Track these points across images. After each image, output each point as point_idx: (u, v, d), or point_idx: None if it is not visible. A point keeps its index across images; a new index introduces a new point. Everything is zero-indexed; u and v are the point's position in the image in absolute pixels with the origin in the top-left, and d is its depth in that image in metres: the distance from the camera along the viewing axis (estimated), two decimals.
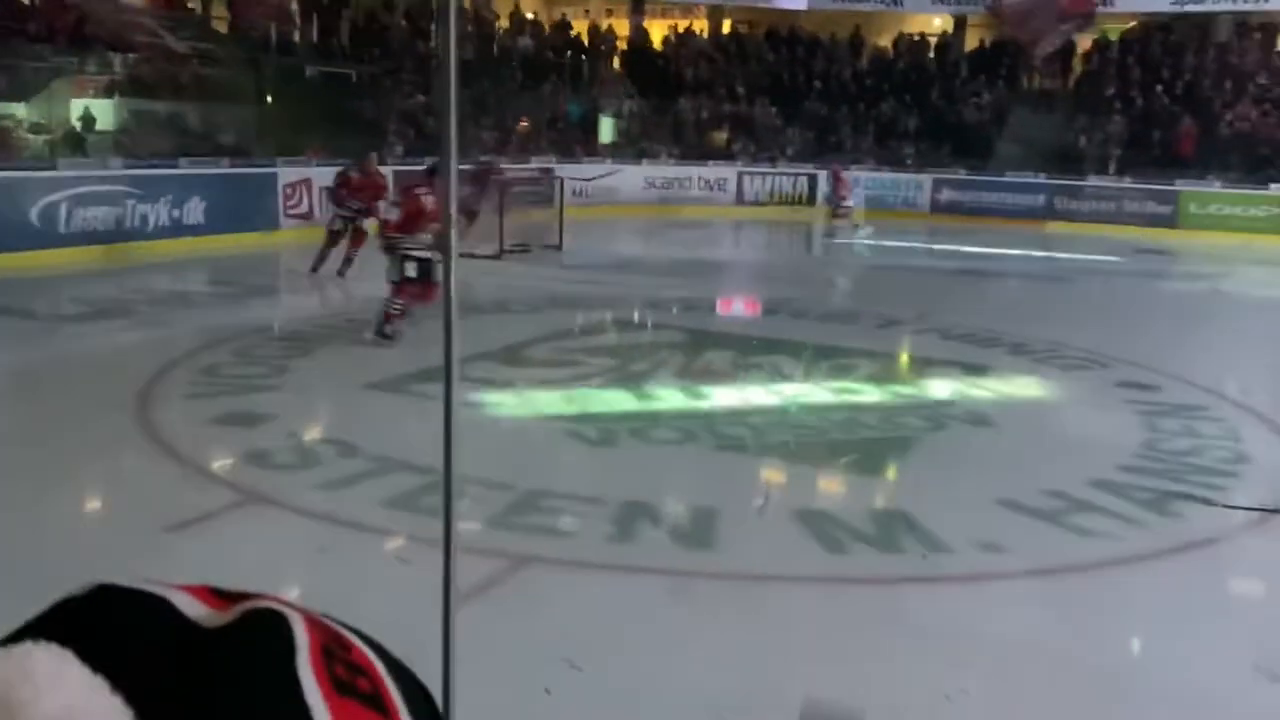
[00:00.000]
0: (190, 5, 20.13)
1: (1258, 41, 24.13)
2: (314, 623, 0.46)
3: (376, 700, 0.45)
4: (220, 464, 5.73)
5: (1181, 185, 20.60)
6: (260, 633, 0.43)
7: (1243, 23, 24.54)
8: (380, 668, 0.47)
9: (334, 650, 0.45)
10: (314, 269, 12.02)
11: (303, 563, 4.55)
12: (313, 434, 6.53)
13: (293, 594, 3.29)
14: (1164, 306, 13.40)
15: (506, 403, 7.08)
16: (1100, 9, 24.84)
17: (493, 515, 4.99)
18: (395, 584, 4.16)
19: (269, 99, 18.36)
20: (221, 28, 19.61)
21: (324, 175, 15.65)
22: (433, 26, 24.13)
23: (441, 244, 2.04)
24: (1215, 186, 20.48)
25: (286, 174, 15.36)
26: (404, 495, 5.12)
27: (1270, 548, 5.15)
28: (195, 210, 13.90)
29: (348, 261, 11.86)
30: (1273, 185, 20.16)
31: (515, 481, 5.37)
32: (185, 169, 14.19)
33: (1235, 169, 20.86)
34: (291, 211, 15.32)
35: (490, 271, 12.79)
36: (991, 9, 25.18)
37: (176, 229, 13.65)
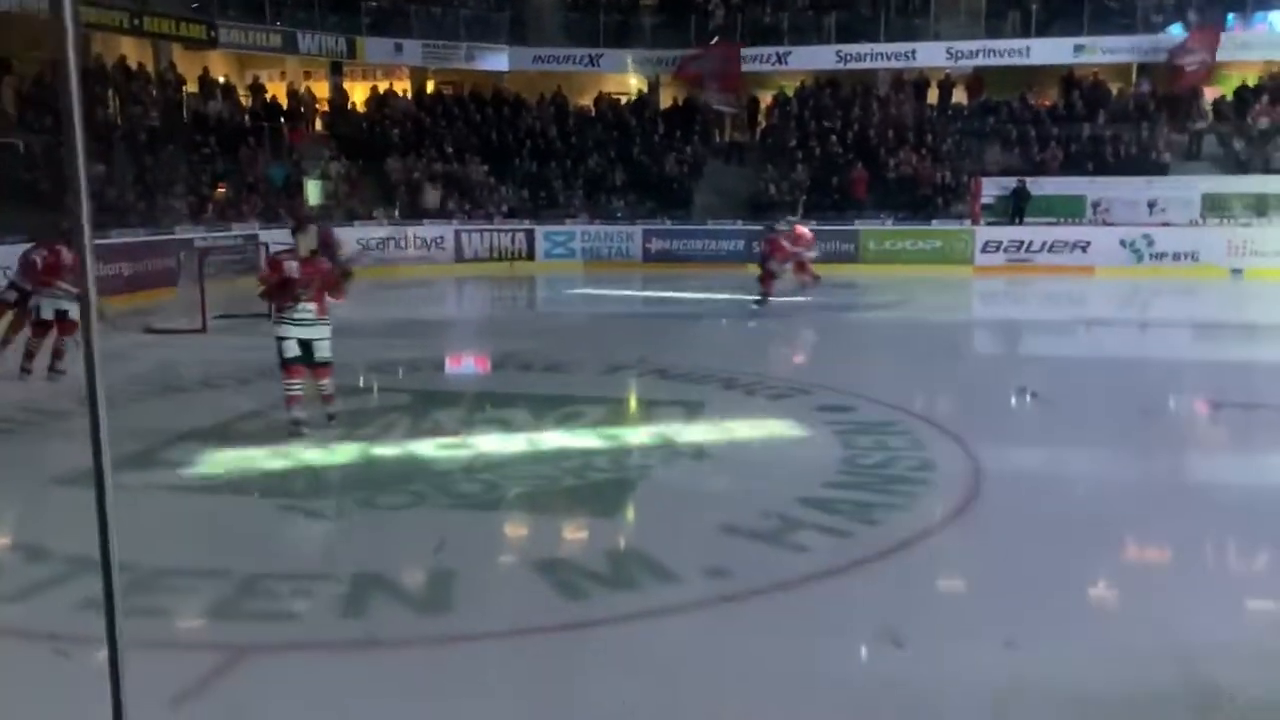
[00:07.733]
0: None
1: (911, 94, 27.11)
2: None
3: None
4: None
5: (860, 225, 22.82)
6: None
7: (898, 78, 27.52)
8: None
9: None
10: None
11: None
12: None
13: None
14: (854, 334, 14.64)
15: (217, 484, 6.62)
16: (775, 67, 27.33)
17: (208, 606, 4.65)
18: (93, 691, 3.76)
19: None
20: None
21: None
22: (110, 92, 22.55)
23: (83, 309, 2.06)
24: (888, 224, 22.89)
25: None
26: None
27: (964, 543, 5.73)
28: None
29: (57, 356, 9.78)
30: (934, 221, 22.79)
31: (231, 567, 5.03)
32: None
33: (903, 208, 23.40)
34: None
35: (194, 346, 12.00)
36: (679, 73, 27.33)
37: None
